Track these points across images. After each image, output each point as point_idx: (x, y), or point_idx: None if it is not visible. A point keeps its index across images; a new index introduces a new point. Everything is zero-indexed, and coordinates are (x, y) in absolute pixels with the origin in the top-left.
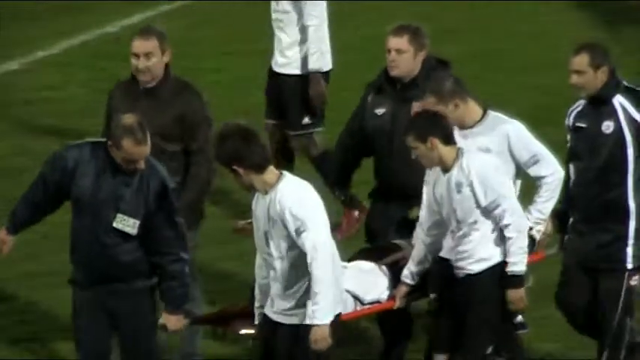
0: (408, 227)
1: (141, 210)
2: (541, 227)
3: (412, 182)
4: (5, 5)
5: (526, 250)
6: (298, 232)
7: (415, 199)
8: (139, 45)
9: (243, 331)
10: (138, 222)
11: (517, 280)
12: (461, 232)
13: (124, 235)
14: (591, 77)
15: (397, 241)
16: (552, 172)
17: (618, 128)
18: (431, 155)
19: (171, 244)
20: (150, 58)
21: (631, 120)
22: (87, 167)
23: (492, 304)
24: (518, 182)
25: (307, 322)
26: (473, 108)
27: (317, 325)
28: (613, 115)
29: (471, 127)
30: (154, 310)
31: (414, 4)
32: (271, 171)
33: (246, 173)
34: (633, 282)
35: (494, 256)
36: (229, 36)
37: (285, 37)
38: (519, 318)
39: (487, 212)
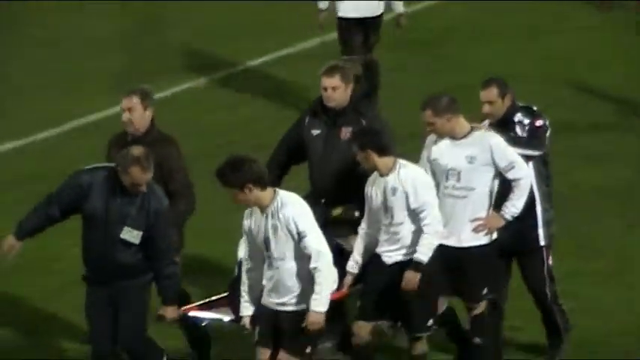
0: (333, 225)
1: (143, 223)
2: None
3: (335, 189)
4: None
5: (434, 248)
6: (301, 237)
7: (337, 202)
8: (125, 102)
9: (227, 319)
10: (141, 233)
11: (418, 266)
12: (392, 229)
13: (129, 244)
14: (500, 105)
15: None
16: (525, 175)
17: None
18: (367, 164)
19: (165, 251)
20: (132, 112)
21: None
22: (99, 189)
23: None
24: (496, 182)
25: (310, 307)
26: (462, 123)
27: (316, 312)
28: (512, 131)
29: (461, 138)
30: (148, 300)
31: None
32: (269, 189)
33: (255, 191)
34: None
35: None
36: None
37: None
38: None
39: (413, 214)
